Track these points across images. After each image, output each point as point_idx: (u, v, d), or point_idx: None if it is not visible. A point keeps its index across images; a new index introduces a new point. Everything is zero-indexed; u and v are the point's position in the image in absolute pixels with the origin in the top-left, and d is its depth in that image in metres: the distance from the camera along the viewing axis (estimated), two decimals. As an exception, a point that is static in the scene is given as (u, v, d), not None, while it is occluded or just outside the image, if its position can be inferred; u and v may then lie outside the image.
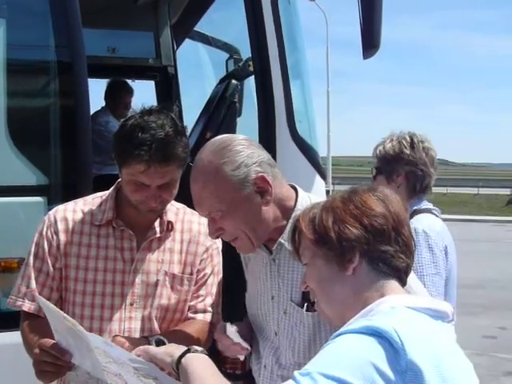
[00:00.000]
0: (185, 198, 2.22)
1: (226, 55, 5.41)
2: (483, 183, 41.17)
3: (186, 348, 1.69)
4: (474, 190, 38.65)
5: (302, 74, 3.89)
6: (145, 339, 2.09)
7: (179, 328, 2.27)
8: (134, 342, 2.00)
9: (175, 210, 2.34)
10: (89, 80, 3.26)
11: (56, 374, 1.98)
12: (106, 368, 1.77)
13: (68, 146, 3.29)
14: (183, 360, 1.65)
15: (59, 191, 3.26)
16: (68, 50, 3.28)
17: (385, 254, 1.58)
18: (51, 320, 1.92)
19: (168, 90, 6.11)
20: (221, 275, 2.38)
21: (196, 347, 1.69)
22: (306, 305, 1.96)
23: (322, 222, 1.62)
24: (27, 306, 2.23)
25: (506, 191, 37.25)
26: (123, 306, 2.22)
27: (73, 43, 3.25)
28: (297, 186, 2.10)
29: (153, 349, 1.78)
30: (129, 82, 6.22)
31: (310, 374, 1.34)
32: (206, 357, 1.67)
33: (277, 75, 3.51)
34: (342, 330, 1.45)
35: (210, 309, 2.33)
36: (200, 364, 1.62)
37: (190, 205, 2.12)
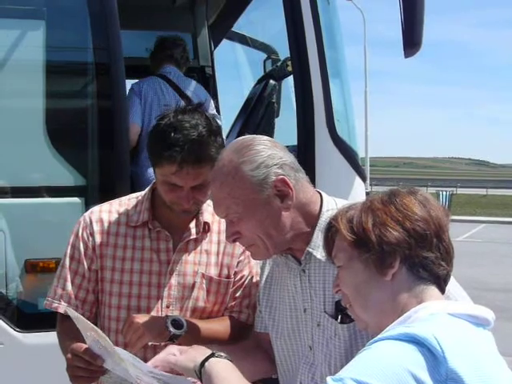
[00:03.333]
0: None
1: (263, 55, 5.40)
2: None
3: (210, 353, 1.65)
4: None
5: (341, 73, 3.87)
6: (164, 319, 2.07)
7: (209, 320, 2.23)
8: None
9: (212, 211, 2.30)
10: (126, 81, 3.30)
11: (89, 378, 1.96)
12: (139, 377, 1.75)
13: (106, 147, 3.31)
14: (207, 364, 1.62)
15: (97, 192, 3.28)
16: (106, 52, 3.30)
17: (426, 260, 1.52)
18: (81, 328, 1.90)
19: (206, 91, 6.08)
20: (258, 277, 2.32)
21: (220, 352, 1.66)
22: (340, 316, 1.87)
23: (361, 223, 1.56)
24: (63, 308, 2.21)
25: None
26: (159, 309, 2.19)
27: (111, 45, 3.26)
28: (321, 191, 2.01)
29: (172, 358, 1.76)
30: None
31: (343, 379, 1.30)
32: (230, 362, 1.63)
33: (316, 75, 3.46)
34: (378, 336, 1.40)
35: (245, 310, 2.29)
36: (224, 368, 1.59)
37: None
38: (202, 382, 1.61)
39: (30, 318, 3.19)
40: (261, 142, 1.90)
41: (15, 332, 3.11)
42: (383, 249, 1.52)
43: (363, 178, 3.65)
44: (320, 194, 1.99)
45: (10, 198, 3.28)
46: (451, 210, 26.81)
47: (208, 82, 6.06)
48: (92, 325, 1.85)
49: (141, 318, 2.06)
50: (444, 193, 28.13)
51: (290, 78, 4.25)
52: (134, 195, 2.33)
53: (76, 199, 3.26)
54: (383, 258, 1.52)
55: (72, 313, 1.92)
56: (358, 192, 3.49)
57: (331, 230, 1.65)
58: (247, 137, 1.96)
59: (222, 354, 1.66)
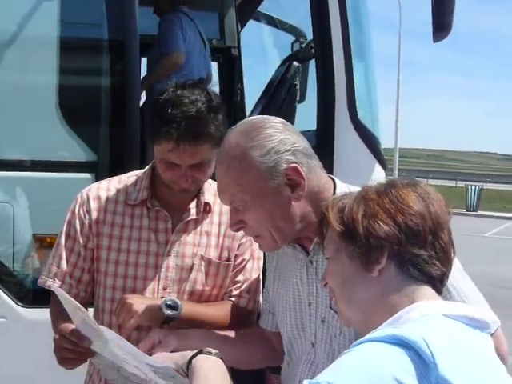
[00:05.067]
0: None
1: (291, 38, 5.29)
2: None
3: (199, 349, 1.57)
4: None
5: (366, 57, 3.73)
6: (159, 301, 2.01)
7: (206, 304, 2.15)
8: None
9: (214, 191, 2.19)
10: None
11: (76, 360, 1.90)
12: (125, 359, 1.68)
13: (117, 124, 3.25)
14: (193, 361, 1.53)
15: (107, 168, 3.22)
16: (121, 28, 3.25)
17: (417, 258, 1.39)
18: (68, 308, 1.84)
19: (231, 72, 5.99)
20: (261, 261, 2.24)
21: (210, 349, 1.57)
22: None
23: (351, 213, 1.44)
24: (57, 286, 2.13)
25: None
26: (156, 290, 2.11)
27: (126, 21, 3.21)
28: (334, 178, 1.88)
29: (166, 354, 1.69)
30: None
31: (319, 383, 1.19)
32: (218, 359, 1.54)
33: (339, 58, 3.33)
34: (364, 338, 1.28)
35: (246, 295, 2.20)
36: (209, 366, 1.50)
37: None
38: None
39: (33, 293, 3.15)
40: (272, 124, 1.76)
41: (18, 306, 3.07)
42: (370, 242, 1.40)
43: (384, 166, 3.54)
44: (333, 180, 1.86)
45: (19, 172, 3.24)
46: (480, 205, 26.49)
47: (234, 63, 5.97)
48: (78, 304, 1.78)
49: (134, 299, 1.99)
50: (473, 187, 27.76)
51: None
52: (134, 173, 2.25)
53: (86, 175, 3.21)
54: (369, 252, 1.40)
55: (58, 291, 1.85)
56: (378, 179, 3.37)
57: (324, 221, 1.54)
58: (257, 117, 1.84)
59: (212, 350, 1.57)
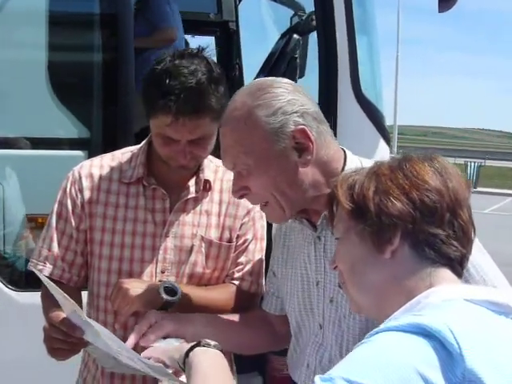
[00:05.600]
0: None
1: (290, 12, 5.16)
2: None
3: (197, 342, 1.45)
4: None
5: (370, 30, 3.65)
6: (156, 285, 1.90)
7: (207, 288, 2.04)
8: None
9: (214, 168, 2.07)
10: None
11: (68, 351, 1.79)
12: (119, 351, 1.57)
13: (110, 100, 3.14)
14: (190, 354, 1.41)
15: (100, 145, 3.12)
16: (114, 2, 3.16)
17: (433, 237, 1.27)
18: (57, 296, 1.71)
19: (229, 47, 5.86)
20: (264, 241, 2.12)
21: (208, 341, 1.45)
22: None
23: (362, 190, 1.32)
24: (48, 270, 2.02)
25: None
26: (153, 274, 1.99)
27: None
28: (345, 149, 1.76)
29: (159, 348, 1.59)
30: (187, 37, 5.99)
31: (333, 379, 1.06)
32: (217, 352, 1.42)
33: (342, 30, 3.21)
34: (380, 327, 1.16)
35: (248, 277, 2.08)
36: (207, 360, 1.38)
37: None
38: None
39: (25, 276, 3.03)
40: (281, 84, 1.64)
41: (10, 290, 2.96)
42: (382, 221, 1.28)
43: (388, 142, 3.45)
44: (344, 151, 1.74)
45: (10, 150, 3.14)
46: (479, 182, 26.42)
47: (232, 37, 5.85)
48: (64, 293, 1.66)
49: (130, 283, 1.87)
50: (472, 164, 27.68)
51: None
52: (129, 149, 2.12)
53: (79, 152, 3.10)
54: (381, 231, 1.29)
55: (43, 278, 1.73)
56: (382, 157, 3.25)
57: (333, 199, 1.42)
58: (266, 78, 1.73)
59: (211, 342, 1.45)
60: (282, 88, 1.63)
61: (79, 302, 2.04)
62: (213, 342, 1.45)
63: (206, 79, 1.83)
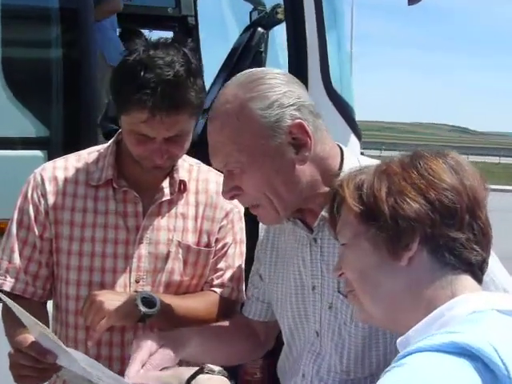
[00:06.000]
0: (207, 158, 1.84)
1: (250, 7, 5.09)
2: (505, 152, 40.79)
3: (199, 367, 1.32)
4: (495, 160, 38.25)
5: (338, 22, 3.58)
6: (133, 296, 1.76)
7: (186, 296, 1.91)
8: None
9: (188, 167, 1.93)
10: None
11: (38, 378, 1.63)
12: (100, 377, 1.42)
13: (72, 97, 3.00)
14: (193, 383, 1.29)
15: (61, 145, 2.96)
16: None
17: (454, 242, 1.17)
18: (24, 320, 1.55)
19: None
20: (244, 245, 1.99)
21: (211, 366, 1.33)
22: None
23: (372, 190, 1.21)
24: (9, 284, 1.86)
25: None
26: (127, 284, 1.85)
27: None
28: (341, 145, 1.64)
29: (153, 375, 1.43)
30: (145, 32, 5.85)
31: None
32: (223, 379, 1.31)
33: (311, 23, 3.14)
34: (411, 348, 1.03)
35: (229, 284, 1.95)
36: None
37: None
38: None
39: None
40: (274, 75, 1.51)
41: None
42: (398, 224, 1.17)
43: (359, 137, 3.39)
44: (340, 148, 1.62)
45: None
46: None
47: (190, 32, 5.73)
48: (32, 317, 1.50)
49: (104, 296, 1.73)
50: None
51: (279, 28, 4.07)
52: (95, 148, 1.96)
53: (38, 152, 2.93)
54: (398, 236, 1.17)
55: (7, 300, 1.56)
56: (353, 150, 3.18)
57: (337, 199, 1.30)
58: (256, 69, 1.58)
59: (215, 368, 1.33)
60: (277, 79, 1.50)
61: (46, 317, 1.88)
62: (217, 368, 1.33)
63: (184, 71, 1.69)
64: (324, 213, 1.52)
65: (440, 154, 1.23)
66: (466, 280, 1.18)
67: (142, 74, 1.65)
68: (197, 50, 5.68)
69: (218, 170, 1.73)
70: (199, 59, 5.31)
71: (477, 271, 1.20)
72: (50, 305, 1.98)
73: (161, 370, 1.53)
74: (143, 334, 1.71)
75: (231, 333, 1.81)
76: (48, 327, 1.94)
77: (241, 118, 1.46)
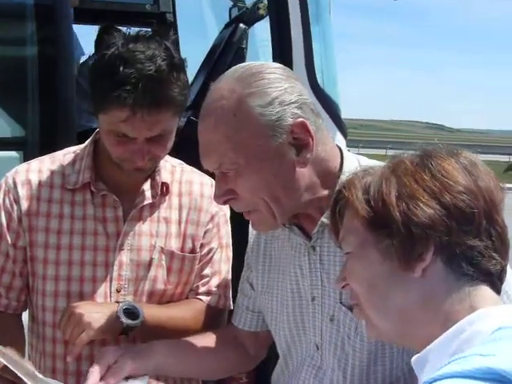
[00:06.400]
0: (190, 159, 1.75)
1: (229, 3, 5.02)
2: (481, 149, 41.26)
3: None
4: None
5: (323, 18, 3.51)
6: (114, 307, 1.68)
7: (170, 306, 1.82)
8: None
9: (170, 168, 1.84)
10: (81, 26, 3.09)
11: None
12: None
13: (48, 96, 2.92)
14: None
15: (37, 145, 2.88)
16: None
17: (471, 250, 1.07)
18: (7, 362, 1.43)
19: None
20: (230, 249, 1.90)
21: None
22: None
23: (381, 194, 1.11)
24: None
25: (505, 158, 37.21)
26: (108, 294, 1.75)
27: None
28: (340, 146, 1.53)
29: None
30: (123, 29, 5.74)
31: None
32: None
33: (296, 18, 3.12)
34: (438, 373, 0.93)
35: (215, 291, 1.86)
36: None
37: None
38: None
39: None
40: (273, 69, 1.41)
41: None
42: (412, 232, 1.07)
43: (345, 134, 3.35)
44: (340, 148, 1.52)
45: None
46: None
47: (169, 29, 5.63)
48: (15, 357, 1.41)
49: (84, 307, 1.63)
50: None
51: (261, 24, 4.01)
52: (71, 149, 1.86)
53: (13, 153, 2.85)
54: (410, 245, 1.08)
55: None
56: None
57: (340, 203, 1.20)
58: (253, 63, 1.47)
59: None
60: (277, 74, 1.39)
61: (21, 331, 1.82)
62: None
63: (166, 66, 1.58)
64: (324, 219, 1.43)
65: (452, 152, 1.13)
66: (485, 291, 1.09)
67: (122, 69, 1.55)
68: (176, 46, 5.61)
69: (209, 174, 1.63)
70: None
71: (496, 281, 1.11)
72: (25, 315, 1.88)
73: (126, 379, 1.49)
74: (104, 347, 1.63)
75: (210, 347, 1.72)
76: (24, 340, 1.85)
77: (238, 114, 1.36)
